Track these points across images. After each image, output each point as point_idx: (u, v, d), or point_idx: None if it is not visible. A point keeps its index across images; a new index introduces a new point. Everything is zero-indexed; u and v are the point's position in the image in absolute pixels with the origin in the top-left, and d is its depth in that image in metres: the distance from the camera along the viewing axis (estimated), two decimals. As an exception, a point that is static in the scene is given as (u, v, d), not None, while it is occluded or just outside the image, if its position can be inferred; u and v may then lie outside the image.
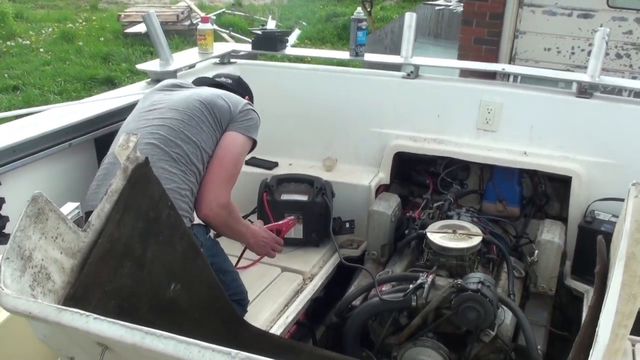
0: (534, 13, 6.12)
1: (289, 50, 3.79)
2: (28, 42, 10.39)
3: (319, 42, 10.89)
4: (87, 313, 1.14)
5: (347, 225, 3.13)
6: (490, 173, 3.31)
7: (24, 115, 2.62)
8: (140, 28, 10.09)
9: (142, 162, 1.72)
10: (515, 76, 4.39)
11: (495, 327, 2.27)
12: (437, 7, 7.94)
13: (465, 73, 4.04)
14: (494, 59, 6.21)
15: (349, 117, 3.37)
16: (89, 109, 2.66)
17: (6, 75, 8.59)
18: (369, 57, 3.44)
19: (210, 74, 2.88)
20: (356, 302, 2.62)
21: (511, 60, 6.28)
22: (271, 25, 10.26)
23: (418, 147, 3.26)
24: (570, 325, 2.76)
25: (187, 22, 10.77)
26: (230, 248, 2.65)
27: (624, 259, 1.33)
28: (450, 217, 2.90)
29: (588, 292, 2.72)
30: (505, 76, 4.75)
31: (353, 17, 3.34)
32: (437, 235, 2.64)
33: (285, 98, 3.45)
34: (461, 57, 6.30)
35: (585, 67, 3.10)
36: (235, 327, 2.13)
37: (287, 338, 2.53)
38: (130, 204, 1.66)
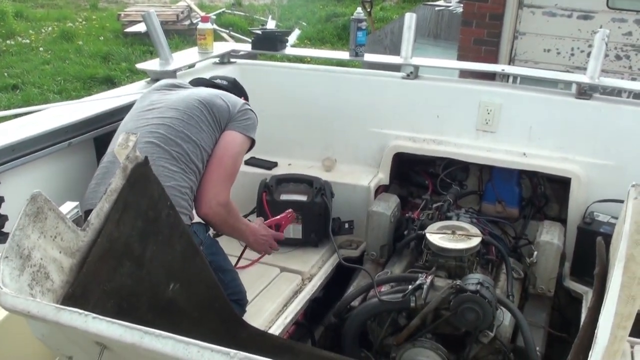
0: (534, 14, 6.12)
1: (289, 50, 3.79)
2: (28, 41, 10.39)
3: (318, 42, 10.89)
4: (86, 312, 1.14)
5: (346, 225, 3.13)
6: (489, 174, 3.30)
7: (24, 114, 2.62)
8: (140, 27, 10.09)
9: (142, 162, 1.72)
10: (515, 77, 4.38)
11: (494, 328, 2.27)
12: (437, 8, 7.93)
13: (465, 74, 4.05)
14: (494, 59, 6.21)
15: (348, 117, 3.37)
16: (88, 108, 2.65)
17: (6, 74, 8.58)
18: (368, 57, 3.44)
19: (209, 74, 2.89)
20: (355, 303, 2.62)
21: (511, 61, 6.28)
22: (271, 25, 10.26)
23: (417, 148, 3.26)
24: (569, 327, 2.76)
25: (187, 22, 10.77)
26: (230, 247, 2.65)
27: (624, 261, 1.33)
28: (449, 218, 2.89)
29: (587, 294, 2.72)
30: (504, 77, 4.76)
31: (353, 17, 3.34)
32: (436, 236, 2.64)
33: (284, 98, 3.45)
34: (461, 58, 6.30)
35: (585, 69, 3.10)
36: (234, 327, 2.13)
37: (285, 338, 2.53)
38: (129, 203, 1.66)
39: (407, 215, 3.08)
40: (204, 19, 3.51)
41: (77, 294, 1.46)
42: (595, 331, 1.27)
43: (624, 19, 5.81)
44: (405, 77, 3.30)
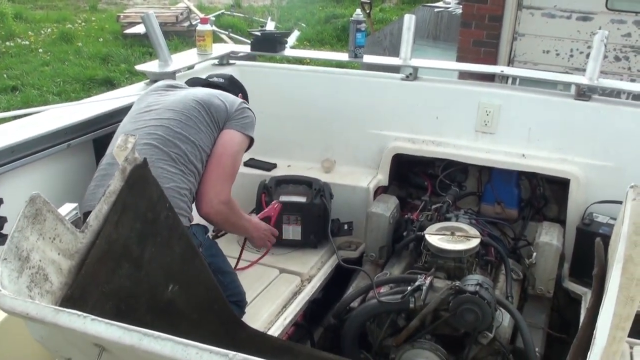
0: (533, 15, 6.12)
1: (288, 52, 3.79)
2: (27, 42, 10.39)
3: (318, 43, 10.90)
4: (85, 314, 1.14)
5: (346, 226, 3.13)
6: (488, 175, 3.31)
7: (23, 115, 2.62)
8: (139, 29, 10.09)
9: (141, 163, 1.72)
10: (514, 78, 4.39)
11: (493, 329, 2.26)
12: (436, 9, 7.92)
13: (464, 75, 4.05)
14: (493, 61, 6.21)
15: (347, 118, 3.37)
16: (87, 109, 2.66)
17: (5, 75, 8.58)
18: (368, 58, 3.44)
19: (206, 75, 2.89)
20: (354, 304, 2.62)
21: (510, 62, 6.28)
22: (270, 26, 10.26)
23: (416, 149, 3.26)
24: (568, 328, 2.77)
25: (186, 23, 10.77)
26: (229, 249, 2.66)
27: (622, 262, 1.33)
28: (448, 219, 2.89)
29: (586, 295, 2.72)
30: (503, 78, 4.76)
31: (352, 18, 3.34)
32: (436, 237, 2.64)
33: (284, 99, 3.45)
34: (460, 59, 6.30)
35: (584, 70, 3.10)
36: (233, 329, 2.13)
37: (285, 339, 2.53)
38: (128, 205, 1.66)
39: (406, 216, 3.08)
40: (203, 21, 3.51)
41: (75, 296, 1.46)
42: (594, 332, 1.27)
43: (623, 20, 5.81)
44: (404, 79, 3.30)
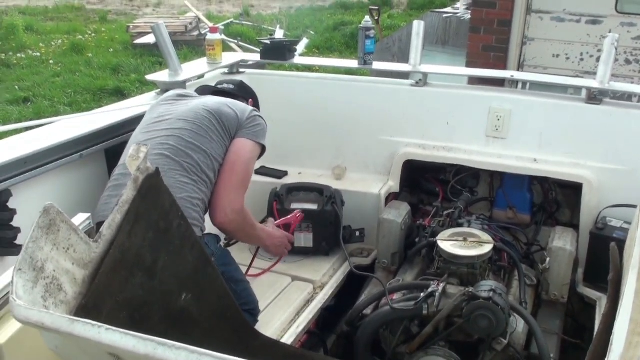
0: (542, 20, 6.11)
1: (297, 60, 3.79)
2: (38, 54, 10.48)
3: (326, 50, 10.92)
4: (99, 324, 1.14)
5: (357, 233, 3.12)
6: (500, 180, 3.30)
7: (35, 126, 2.64)
8: (149, 39, 10.16)
9: (153, 173, 1.72)
10: (524, 83, 4.38)
11: (507, 336, 2.25)
12: (444, 15, 7.94)
13: (474, 80, 4.04)
14: (503, 66, 6.20)
15: (358, 125, 3.37)
16: (99, 120, 2.67)
17: (17, 87, 8.66)
18: (377, 65, 3.44)
19: (216, 82, 2.90)
20: (367, 311, 2.61)
21: (520, 67, 6.27)
22: (279, 34, 10.30)
23: (427, 155, 3.25)
24: (582, 333, 2.74)
25: (196, 33, 10.83)
26: (241, 257, 2.66)
27: (638, 267, 1.32)
28: (460, 225, 2.88)
29: (600, 300, 2.69)
30: (514, 83, 4.75)
31: (361, 25, 3.35)
32: (448, 243, 2.62)
33: (294, 107, 3.46)
34: (469, 64, 6.29)
35: (594, 73, 3.09)
36: (247, 337, 2.13)
37: (298, 347, 2.52)
38: (141, 214, 1.66)
39: (418, 222, 3.07)
40: (213, 30, 3.53)
41: (90, 305, 1.47)
42: (611, 338, 1.26)
43: (633, 23, 5.79)
44: (414, 85, 3.30)
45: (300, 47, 10.12)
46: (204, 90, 2.76)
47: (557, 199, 3.24)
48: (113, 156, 2.53)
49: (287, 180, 3.32)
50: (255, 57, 3.68)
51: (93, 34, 12.15)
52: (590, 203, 2.93)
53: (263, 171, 3.39)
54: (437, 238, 2.69)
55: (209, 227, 2.35)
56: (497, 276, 2.69)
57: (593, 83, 3.03)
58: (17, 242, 2.19)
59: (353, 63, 3.51)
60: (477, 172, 3.31)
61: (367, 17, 3.53)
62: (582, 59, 6.03)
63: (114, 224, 1.60)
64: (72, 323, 1.16)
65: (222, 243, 2.47)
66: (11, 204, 2.18)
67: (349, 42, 11.12)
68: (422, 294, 2.36)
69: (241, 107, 2.51)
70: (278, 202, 3.02)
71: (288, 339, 2.47)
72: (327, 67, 6.39)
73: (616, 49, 2.98)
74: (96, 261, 1.53)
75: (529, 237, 3.15)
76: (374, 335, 2.47)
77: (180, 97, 2.59)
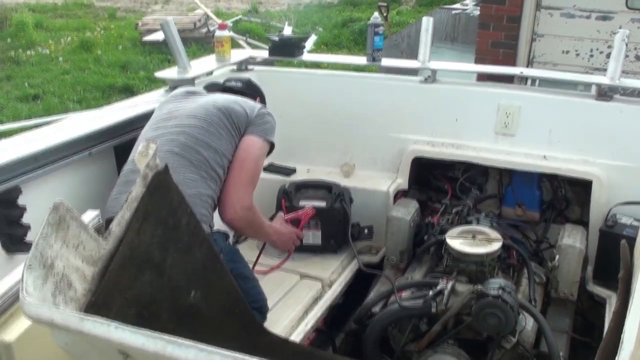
0: (552, 16, 6.08)
1: (306, 56, 3.79)
2: (47, 51, 10.52)
3: (335, 47, 10.91)
4: (109, 321, 1.15)
5: (366, 231, 3.12)
6: (509, 177, 3.28)
7: (44, 123, 2.65)
8: (158, 36, 10.17)
9: (162, 170, 1.72)
10: (534, 79, 4.36)
11: (516, 334, 2.24)
12: (453, 11, 7.90)
13: (483, 77, 4.03)
14: (512, 62, 6.17)
15: (366, 122, 3.36)
16: (108, 117, 2.68)
17: (26, 84, 8.69)
18: (386, 62, 3.43)
19: (224, 80, 2.90)
20: (376, 309, 2.61)
21: (529, 63, 6.23)
22: (287, 31, 10.30)
23: (436, 152, 3.24)
24: (592, 331, 2.73)
25: (204, 30, 10.84)
26: (250, 255, 2.66)
27: (649, 264, 1.31)
28: (469, 222, 2.87)
29: (610, 298, 2.68)
30: (523, 80, 4.73)
31: (370, 22, 3.34)
32: (457, 241, 2.61)
33: (302, 104, 3.45)
34: (478, 61, 6.27)
35: (604, 70, 3.07)
36: (255, 334, 2.13)
37: (306, 345, 2.52)
38: (150, 211, 1.67)
39: (426, 220, 3.06)
40: (222, 27, 3.53)
41: (99, 302, 1.47)
42: (621, 336, 1.25)
43: (643, 19, 5.75)
44: (423, 81, 3.29)
45: (309, 44, 10.11)
46: (212, 88, 2.76)
47: (566, 196, 3.22)
48: (122, 153, 2.53)
49: (295, 177, 3.33)
50: (264, 54, 3.68)
51: (102, 31, 12.18)
52: (600, 200, 2.91)
53: (272, 168, 3.39)
54: (446, 235, 2.68)
55: (218, 224, 2.36)
56: (506, 274, 2.68)
57: (603, 79, 3.01)
58: (27, 239, 2.20)
59: (362, 60, 3.50)
60: (486, 169, 3.30)
61: (376, 14, 3.52)
62: (592, 55, 5.99)
63: (123, 220, 1.60)
64: (81, 320, 1.16)
65: (231, 240, 2.48)
66: (21, 201, 2.19)
67: (357, 38, 11.10)
68: (430, 292, 2.36)
69: (250, 105, 2.52)
70: (286, 199, 3.02)
71: (297, 336, 2.47)
72: (335, 63, 6.39)
73: (626, 45, 2.96)
74: (105, 258, 1.54)
75: (538, 234, 3.13)
76: (382, 333, 2.47)
77: (189, 94, 2.59)
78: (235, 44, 8.80)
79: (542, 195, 3.25)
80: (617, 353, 1.25)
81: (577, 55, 6.05)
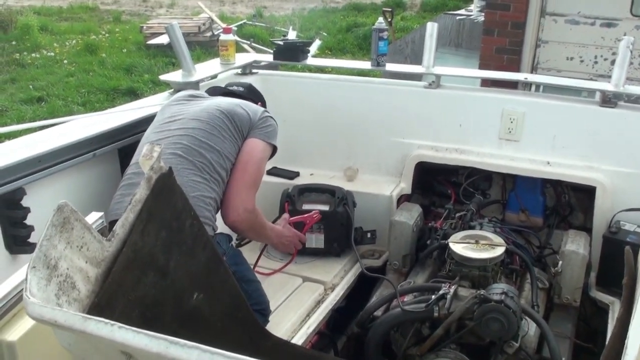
0: (556, 22, 6.08)
1: (310, 61, 3.80)
2: (52, 54, 10.55)
3: (339, 52, 10.92)
4: (112, 322, 1.15)
5: (369, 235, 3.11)
6: (512, 183, 3.28)
7: (49, 125, 2.65)
8: (162, 39, 10.20)
9: (166, 172, 1.73)
10: (538, 85, 4.36)
11: (518, 339, 2.24)
12: (458, 17, 7.91)
13: (487, 83, 4.02)
14: (516, 68, 6.17)
15: (370, 127, 3.37)
16: (112, 119, 2.68)
17: (31, 86, 8.72)
18: (390, 67, 3.44)
19: (225, 84, 2.91)
20: (378, 313, 2.60)
21: (533, 69, 6.24)
22: (292, 35, 10.32)
23: (440, 157, 3.24)
24: (595, 337, 2.72)
25: (209, 33, 10.86)
26: (252, 258, 2.66)
27: (652, 270, 1.31)
28: (472, 227, 2.87)
29: (613, 304, 2.68)
30: (527, 86, 4.73)
31: (375, 27, 3.35)
32: (460, 246, 2.61)
33: (306, 108, 3.46)
34: (482, 67, 6.27)
35: (608, 77, 3.07)
36: (258, 337, 2.13)
37: (308, 348, 2.52)
38: (153, 213, 1.67)
39: (429, 224, 3.06)
40: (226, 30, 3.53)
41: (102, 304, 1.47)
42: (625, 342, 1.25)
43: (648, 27, 5.75)
44: (427, 87, 3.29)
45: (313, 49, 10.12)
46: (214, 91, 2.78)
47: (570, 202, 3.22)
48: (126, 155, 2.54)
49: (299, 181, 3.32)
50: (268, 58, 3.68)
51: (107, 34, 12.22)
52: (604, 206, 2.91)
53: (275, 172, 3.40)
54: (449, 240, 2.68)
55: (221, 227, 2.36)
56: (509, 279, 2.68)
57: (608, 86, 3.01)
58: (31, 240, 2.20)
59: (366, 64, 3.51)
60: (490, 174, 3.29)
61: (381, 19, 3.53)
62: (596, 62, 5.99)
63: (127, 222, 1.61)
64: (85, 321, 1.16)
65: (234, 243, 2.48)
66: (25, 202, 2.19)
67: (361, 43, 11.11)
68: (433, 296, 2.36)
69: (253, 108, 2.53)
70: (290, 203, 3.02)
71: (299, 339, 2.47)
72: (340, 68, 6.40)
73: (631, 52, 2.96)
74: (109, 260, 1.54)
75: (541, 240, 3.13)
76: (384, 337, 2.46)
77: (192, 97, 2.61)
78: (239, 48, 8.82)
79: (546, 201, 3.24)
80: (621, 359, 1.25)
81: (581, 62, 6.05)
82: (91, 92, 8.52)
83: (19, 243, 2.20)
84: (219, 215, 2.36)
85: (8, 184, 2.14)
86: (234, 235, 2.53)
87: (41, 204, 2.20)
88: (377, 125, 3.35)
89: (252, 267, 2.75)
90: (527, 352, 2.29)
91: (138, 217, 1.63)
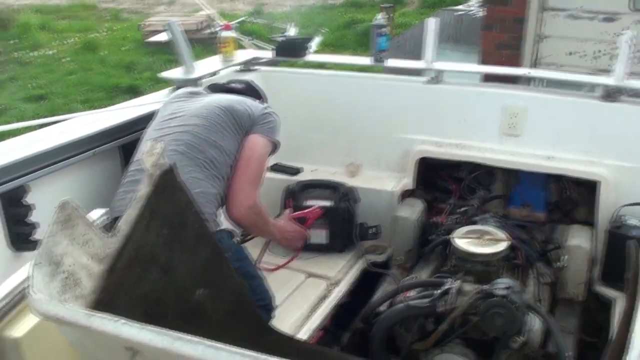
0: (557, 17, 6.07)
1: (311, 57, 3.79)
2: (52, 52, 10.54)
3: (339, 48, 10.91)
4: (117, 318, 1.15)
5: (372, 230, 3.11)
6: (515, 178, 3.27)
7: (50, 123, 2.65)
8: (162, 37, 10.19)
9: (168, 169, 1.72)
10: (539, 80, 4.34)
11: (524, 334, 2.23)
12: (457, 13, 7.91)
13: (488, 78, 4.02)
14: (516, 63, 6.15)
15: (372, 122, 3.36)
16: (113, 117, 2.68)
17: (31, 85, 8.71)
18: (390, 62, 3.43)
19: (225, 81, 2.91)
20: (382, 308, 2.60)
21: (534, 64, 6.22)
22: (291, 32, 10.28)
23: (442, 153, 3.23)
24: (599, 332, 2.72)
25: (208, 31, 10.84)
26: (255, 253, 2.67)
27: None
28: (475, 223, 2.87)
29: (617, 299, 2.67)
30: (528, 80, 4.71)
31: (374, 23, 3.34)
32: (463, 241, 2.61)
33: (308, 104, 3.45)
34: (483, 62, 6.26)
35: (609, 71, 3.06)
36: (262, 332, 2.12)
37: (313, 344, 2.52)
38: (156, 210, 1.67)
39: (432, 220, 3.06)
40: (226, 27, 3.53)
41: (106, 300, 1.47)
42: (630, 336, 1.25)
43: (648, 21, 5.73)
44: (428, 82, 3.29)
45: (314, 45, 10.11)
46: (214, 88, 2.78)
47: (572, 197, 3.21)
48: (127, 153, 2.54)
49: (301, 177, 3.32)
50: (268, 54, 3.68)
51: (106, 32, 12.20)
52: (607, 201, 2.90)
53: (277, 168, 3.39)
54: (452, 235, 2.68)
55: (224, 223, 2.36)
56: (512, 274, 2.67)
57: (609, 80, 3.00)
58: (33, 237, 2.21)
59: (366, 60, 3.50)
60: (492, 169, 3.29)
61: (379, 15, 3.52)
62: (596, 57, 5.98)
63: (130, 219, 1.61)
64: (89, 317, 1.17)
65: (237, 239, 2.48)
66: (27, 199, 2.20)
67: (361, 39, 11.09)
68: (437, 291, 2.35)
69: (254, 104, 2.54)
70: (292, 199, 3.02)
71: (303, 335, 2.47)
72: (340, 64, 6.39)
73: (631, 46, 2.95)
74: (112, 256, 1.54)
75: (544, 235, 3.12)
76: (388, 332, 2.46)
77: (192, 94, 2.61)
78: (239, 45, 8.80)
79: (548, 196, 3.23)
80: (625, 353, 1.24)
81: (582, 56, 6.04)
82: (91, 90, 8.52)
83: (23, 240, 2.21)
84: (221, 212, 2.36)
85: (11, 182, 2.14)
86: (238, 231, 2.54)
87: (44, 201, 2.20)
88: (379, 120, 3.35)
89: (255, 262, 2.76)
90: (532, 347, 2.29)
91: (141, 214, 1.63)
